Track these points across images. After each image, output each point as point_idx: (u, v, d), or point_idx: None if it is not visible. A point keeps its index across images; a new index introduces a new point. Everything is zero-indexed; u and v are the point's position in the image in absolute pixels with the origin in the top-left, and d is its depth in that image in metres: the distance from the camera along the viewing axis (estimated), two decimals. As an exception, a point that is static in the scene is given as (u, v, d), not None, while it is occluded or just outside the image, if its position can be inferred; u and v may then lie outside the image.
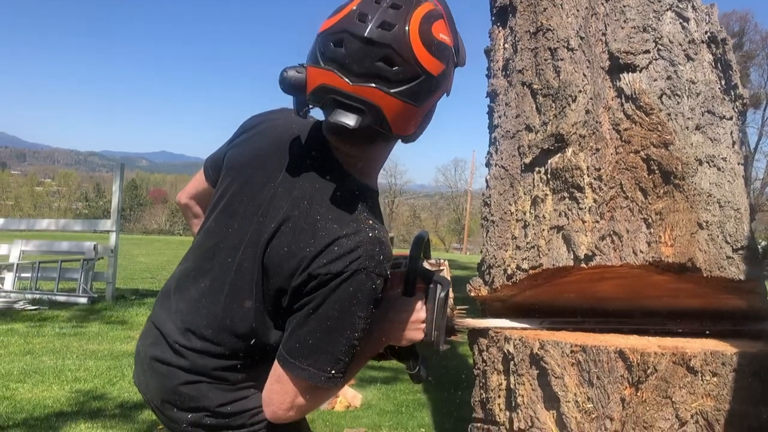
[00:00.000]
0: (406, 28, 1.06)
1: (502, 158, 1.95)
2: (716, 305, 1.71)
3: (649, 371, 1.47)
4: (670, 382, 1.47)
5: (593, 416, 1.51)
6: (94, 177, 76.63)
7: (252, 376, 1.21)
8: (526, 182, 1.87)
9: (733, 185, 1.74)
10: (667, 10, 1.85)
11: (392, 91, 1.07)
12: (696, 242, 1.61)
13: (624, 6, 1.84)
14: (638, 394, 1.48)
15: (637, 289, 1.71)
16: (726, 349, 1.52)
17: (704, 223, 1.64)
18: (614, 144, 1.71)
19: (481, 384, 1.81)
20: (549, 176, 1.78)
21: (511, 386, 1.66)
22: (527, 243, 1.77)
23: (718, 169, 1.73)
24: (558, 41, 1.85)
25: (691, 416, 1.46)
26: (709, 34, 1.89)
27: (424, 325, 1.32)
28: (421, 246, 1.34)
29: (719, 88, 1.84)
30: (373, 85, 1.06)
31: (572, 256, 1.65)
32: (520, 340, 1.65)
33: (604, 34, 1.84)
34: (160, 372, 1.25)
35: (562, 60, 1.83)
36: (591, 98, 1.77)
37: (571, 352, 1.55)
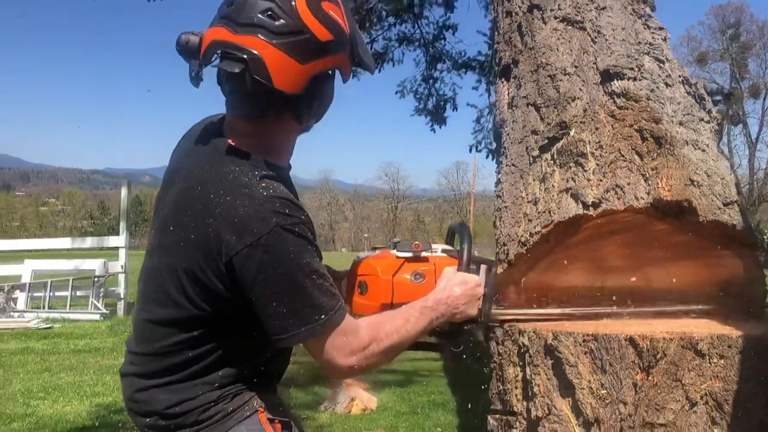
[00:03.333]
0: None
1: (511, 160, 2.09)
2: (716, 269, 1.79)
3: (658, 356, 1.54)
4: (680, 365, 1.53)
5: (607, 401, 1.58)
6: (98, 195, 76.88)
7: (198, 372, 1.22)
8: (534, 171, 2.02)
9: (717, 163, 1.93)
10: (646, 54, 2.12)
11: (274, 41, 1.11)
12: (690, 191, 1.76)
13: (610, 44, 2.12)
14: (649, 378, 1.55)
15: (640, 249, 1.81)
16: (731, 332, 1.58)
17: (695, 183, 1.79)
18: (611, 123, 1.95)
19: (498, 376, 1.88)
20: (556, 156, 1.98)
21: (528, 377, 1.73)
22: (538, 212, 1.91)
23: (702, 151, 1.93)
24: (556, 70, 2.13)
25: (701, 397, 1.53)
26: (682, 77, 2.13)
27: (479, 302, 1.36)
28: (467, 233, 1.43)
29: (696, 108, 2.08)
30: (257, 35, 1.11)
31: (581, 206, 1.82)
32: (534, 332, 1.72)
33: (594, 63, 2.10)
34: (124, 383, 1.31)
35: (560, 81, 2.10)
36: (588, 102, 2.01)
37: (584, 341, 1.62)
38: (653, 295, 1.81)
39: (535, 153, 2.03)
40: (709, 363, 1.53)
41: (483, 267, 1.43)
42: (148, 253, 1.30)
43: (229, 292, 1.15)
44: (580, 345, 1.62)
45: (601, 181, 1.84)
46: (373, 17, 8.62)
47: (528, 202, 2.00)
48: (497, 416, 1.88)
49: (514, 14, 2.53)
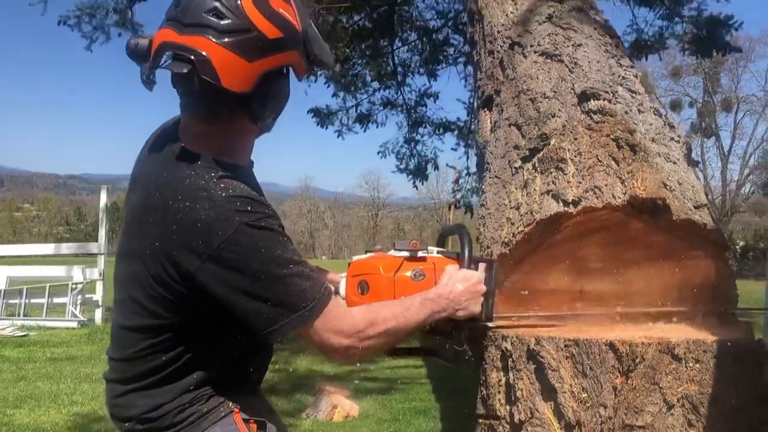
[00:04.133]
0: None
1: (494, 172, 2.19)
2: (690, 270, 1.87)
3: (637, 360, 1.59)
4: (657, 369, 1.59)
5: (588, 404, 1.62)
6: (74, 200, 75.67)
7: (172, 376, 1.23)
8: (516, 180, 2.12)
9: (687, 174, 2.06)
10: (619, 84, 2.27)
11: (220, 40, 1.11)
12: (664, 192, 1.86)
13: (586, 73, 2.29)
14: (629, 382, 1.60)
15: (619, 249, 1.89)
16: (707, 337, 1.65)
17: (668, 187, 1.89)
18: (588, 134, 2.07)
19: (481, 382, 1.92)
20: (537, 164, 2.09)
21: (510, 381, 1.77)
22: (521, 215, 2.00)
23: (673, 163, 2.06)
24: (536, 94, 2.31)
25: (677, 400, 1.58)
26: (653, 108, 2.29)
27: (482, 299, 1.36)
28: (466, 232, 1.44)
29: (667, 130, 2.23)
30: (203, 35, 1.11)
31: (561, 204, 1.91)
32: (516, 337, 1.76)
33: (572, 89, 2.24)
34: (107, 389, 1.31)
35: (540, 102, 2.25)
36: (566, 119, 2.13)
37: (565, 346, 1.67)
38: (632, 297, 1.88)
39: (517, 164, 2.13)
40: (686, 367, 1.59)
41: (483, 265, 1.43)
42: (117, 259, 1.30)
43: (199, 298, 1.15)
44: (562, 350, 1.67)
45: (580, 183, 1.94)
46: (358, 81, 9.03)
47: (511, 207, 2.07)
48: (481, 421, 1.91)
49: (496, 52, 2.71)
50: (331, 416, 4.50)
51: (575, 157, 2.01)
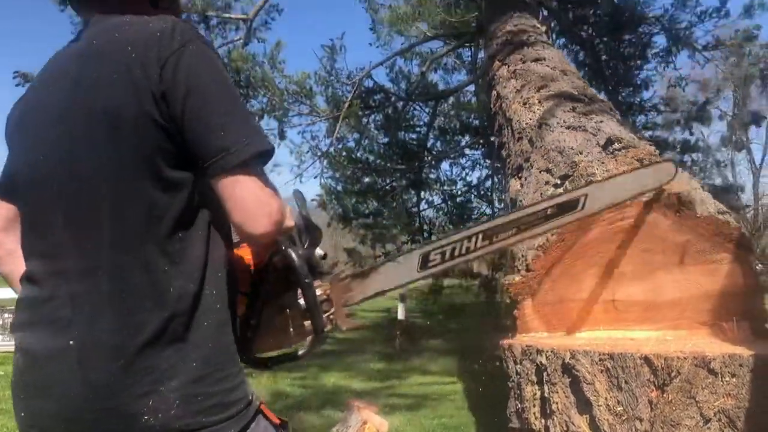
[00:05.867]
0: None
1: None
2: (717, 276, 1.91)
3: (673, 374, 1.61)
4: (693, 383, 1.60)
5: (624, 418, 1.64)
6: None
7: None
8: None
9: (708, 195, 2.15)
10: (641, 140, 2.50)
11: None
12: (688, 192, 1.95)
13: (609, 135, 2.45)
14: (664, 395, 1.61)
15: (647, 251, 1.95)
16: (743, 351, 1.65)
17: (693, 189, 1.99)
18: (614, 160, 2.31)
19: (516, 395, 1.94)
20: (568, 186, 2.25)
21: (545, 395, 1.80)
22: None
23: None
24: (564, 147, 2.53)
25: (714, 414, 1.59)
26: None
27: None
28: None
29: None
30: None
31: None
32: (551, 351, 1.79)
33: (597, 143, 2.46)
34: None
35: (567, 152, 2.51)
36: (592, 158, 2.34)
37: (600, 359, 1.69)
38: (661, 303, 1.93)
39: (549, 192, 2.27)
40: (722, 381, 1.60)
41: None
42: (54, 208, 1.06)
43: (169, 123, 1.01)
44: (597, 363, 1.69)
45: None
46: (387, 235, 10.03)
47: None
48: (515, 434, 1.94)
49: (525, 137, 3.00)
50: (361, 432, 4.52)
51: (603, 173, 2.13)
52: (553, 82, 3.40)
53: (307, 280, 1.23)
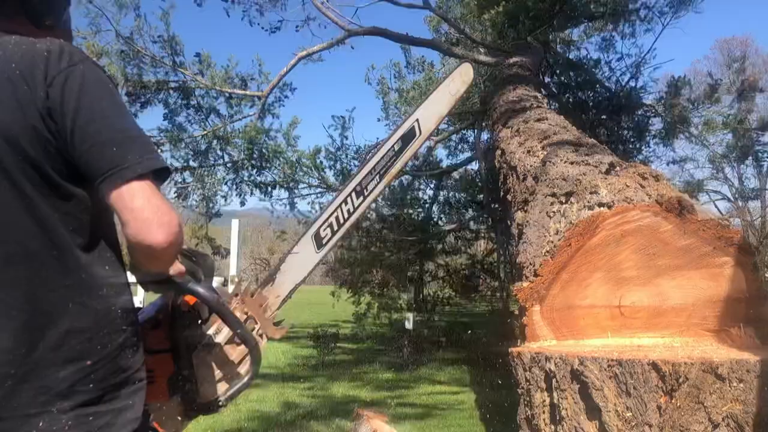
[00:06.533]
0: None
1: (533, 220, 2.43)
2: (720, 280, 1.95)
3: (681, 380, 1.63)
4: (701, 388, 1.62)
5: (633, 423, 1.66)
6: None
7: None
8: (555, 219, 2.31)
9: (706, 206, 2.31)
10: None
11: None
12: (688, 198, 2.05)
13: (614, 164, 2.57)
14: (673, 401, 1.64)
15: (651, 255, 2.00)
16: (750, 357, 1.67)
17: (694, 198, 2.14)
18: (616, 176, 2.42)
19: (525, 402, 1.97)
20: (573, 200, 2.34)
21: (555, 401, 1.82)
22: (560, 234, 2.19)
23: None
24: (568, 175, 2.62)
25: (722, 419, 1.61)
26: None
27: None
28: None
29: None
30: None
31: (597, 209, 2.14)
32: (560, 358, 1.81)
33: (600, 171, 2.54)
34: None
35: (572, 177, 2.56)
36: (594, 180, 2.42)
37: (608, 366, 1.71)
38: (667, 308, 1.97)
39: (555, 209, 2.35)
40: (729, 386, 1.62)
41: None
42: None
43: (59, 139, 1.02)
44: (605, 370, 1.72)
45: (613, 198, 2.16)
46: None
47: (553, 234, 2.20)
48: (526, 441, 1.96)
49: (530, 175, 3.12)
50: (370, 441, 4.53)
51: (606, 186, 2.24)
52: (554, 135, 3.53)
53: (221, 308, 1.22)
